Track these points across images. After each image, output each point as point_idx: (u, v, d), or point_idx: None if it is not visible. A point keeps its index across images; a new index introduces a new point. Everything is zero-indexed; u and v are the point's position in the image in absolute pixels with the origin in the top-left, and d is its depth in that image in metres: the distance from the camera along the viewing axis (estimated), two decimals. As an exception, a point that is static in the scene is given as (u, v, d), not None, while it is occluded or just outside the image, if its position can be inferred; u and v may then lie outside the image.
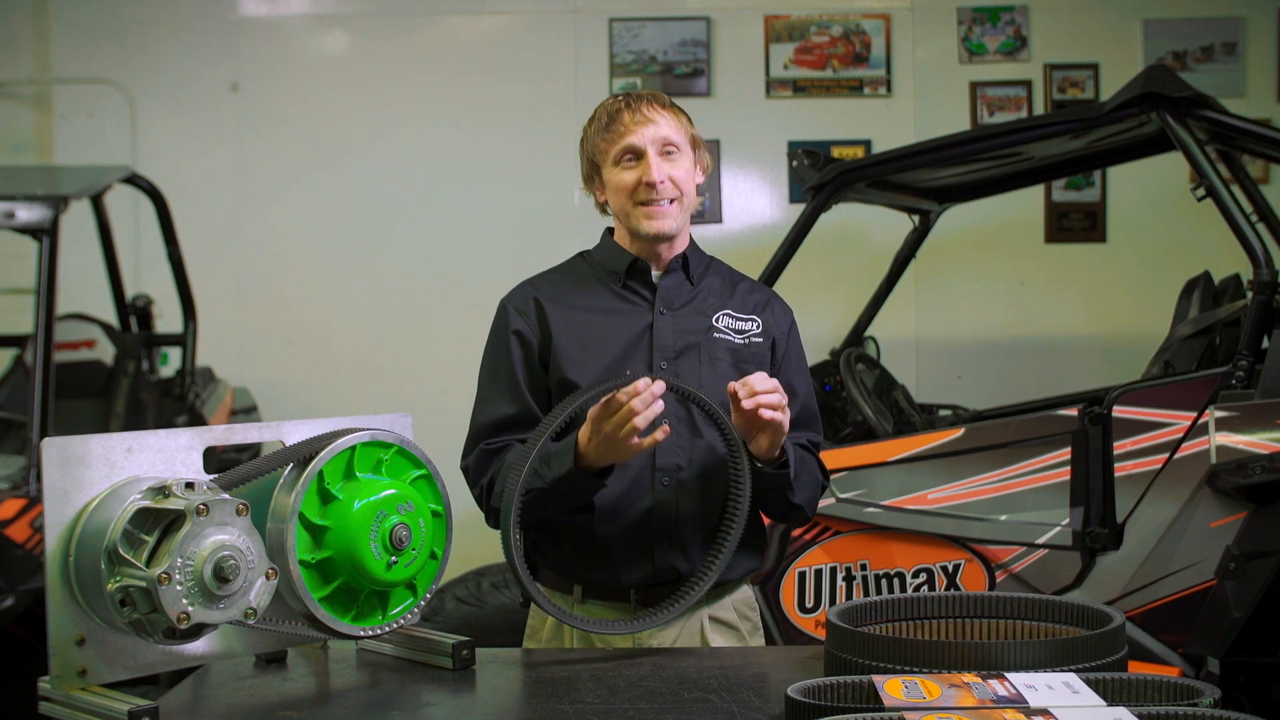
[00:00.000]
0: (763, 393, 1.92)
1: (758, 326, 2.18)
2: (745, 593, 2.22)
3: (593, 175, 2.18)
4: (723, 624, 2.16)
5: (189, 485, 1.55)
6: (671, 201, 2.10)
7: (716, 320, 2.16)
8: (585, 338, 2.11)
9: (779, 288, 3.42)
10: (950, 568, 3.03)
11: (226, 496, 1.55)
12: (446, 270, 5.23)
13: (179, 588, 1.48)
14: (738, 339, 2.15)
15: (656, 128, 2.09)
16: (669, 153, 2.10)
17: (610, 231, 2.23)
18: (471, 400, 2.18)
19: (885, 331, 4.31)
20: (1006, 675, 1.46)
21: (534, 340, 2.12)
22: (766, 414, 1.92)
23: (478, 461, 2.10)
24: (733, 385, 1.94)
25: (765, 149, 5.23)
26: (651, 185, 2.07)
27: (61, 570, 1.54)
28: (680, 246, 2.17)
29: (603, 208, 2.21)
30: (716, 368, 2.11)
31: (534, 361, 2.12)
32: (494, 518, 2.07)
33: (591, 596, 2.11)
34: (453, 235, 5.26)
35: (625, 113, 2.10)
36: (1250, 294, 2.96)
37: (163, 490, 1.55)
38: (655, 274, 2.17)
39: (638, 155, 2.09)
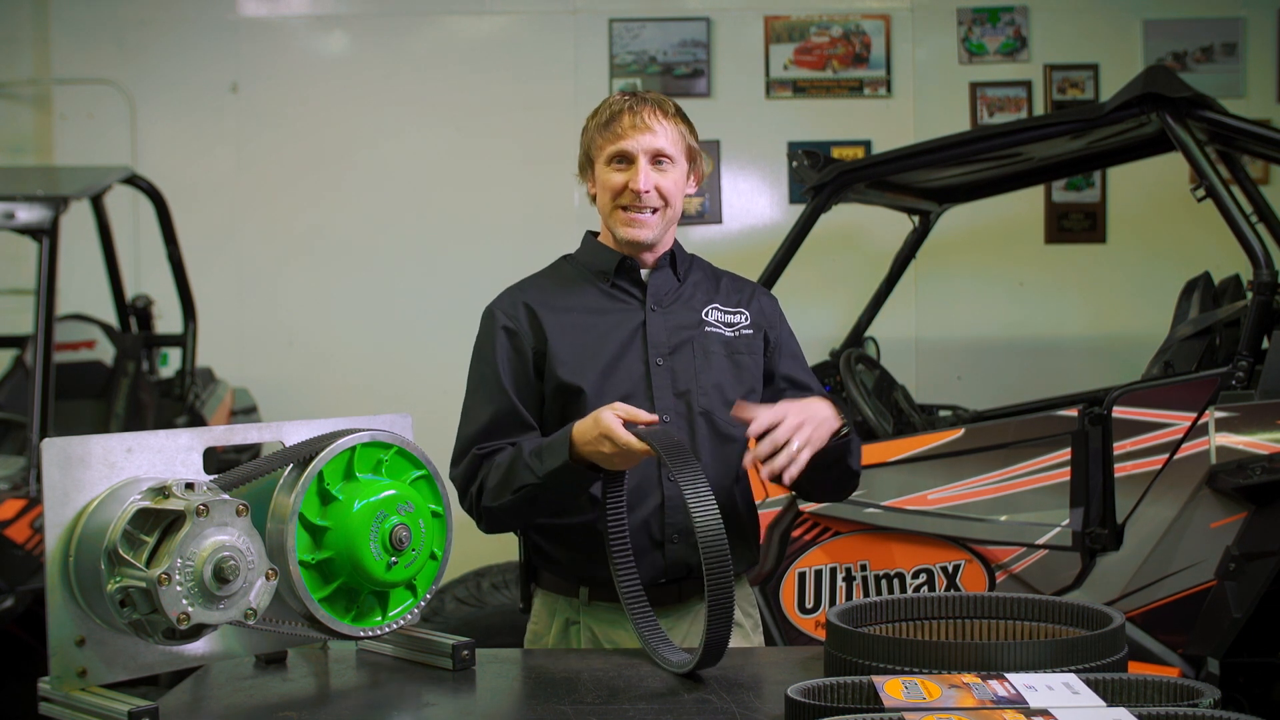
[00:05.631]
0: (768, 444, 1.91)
1: (746, 319, 2.20)
2: (745, 589, 2.24)
3: (586, 167, 2.19)
4: None
5: (189, 486, 1.54)
6: (654, 211, 2.12)
7: (706, 314, 2.17)
8: (580, 339, 2.11)
9: (779, 288, 3.43)
10: (950, 568, 3.03)
11: (226, 497, 1.55)
12: (446, 270, 5.23)
13: (179, 588, 1.48)
14: (729, 331, 2.17)
15: (653, 136, 2.10)
16: (660, 163, 2.11)
17: (593, 235, 2.24)
18: None
19: (885, 332, 4.31)
20: (1006, 676, 1.46)
21: (527, 342, 2.12)
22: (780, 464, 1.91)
23: (468, 468, 2.09)
24: (747, 461, 1.95)
25: (765, 149, 5.23)
26: (636, 193, 2.09)
27: (61, 571, 1.54)
28: (665, 246, 2.19)
29: (592, 198, 2.22)
30: (711, 361, 2.13)
31: (524, 363, 2.11)
32: (485, 520, 2.08)
33: (599, 598, 2.10)
34: (452, 235, 5.26)
35: (625, 115, 2.11)
36: (1250, 294, 2.96)
37: (163, 491, 1.54)
38: (644, 272, 2.18)
39: (629, 160, 2.11)
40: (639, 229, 2.12)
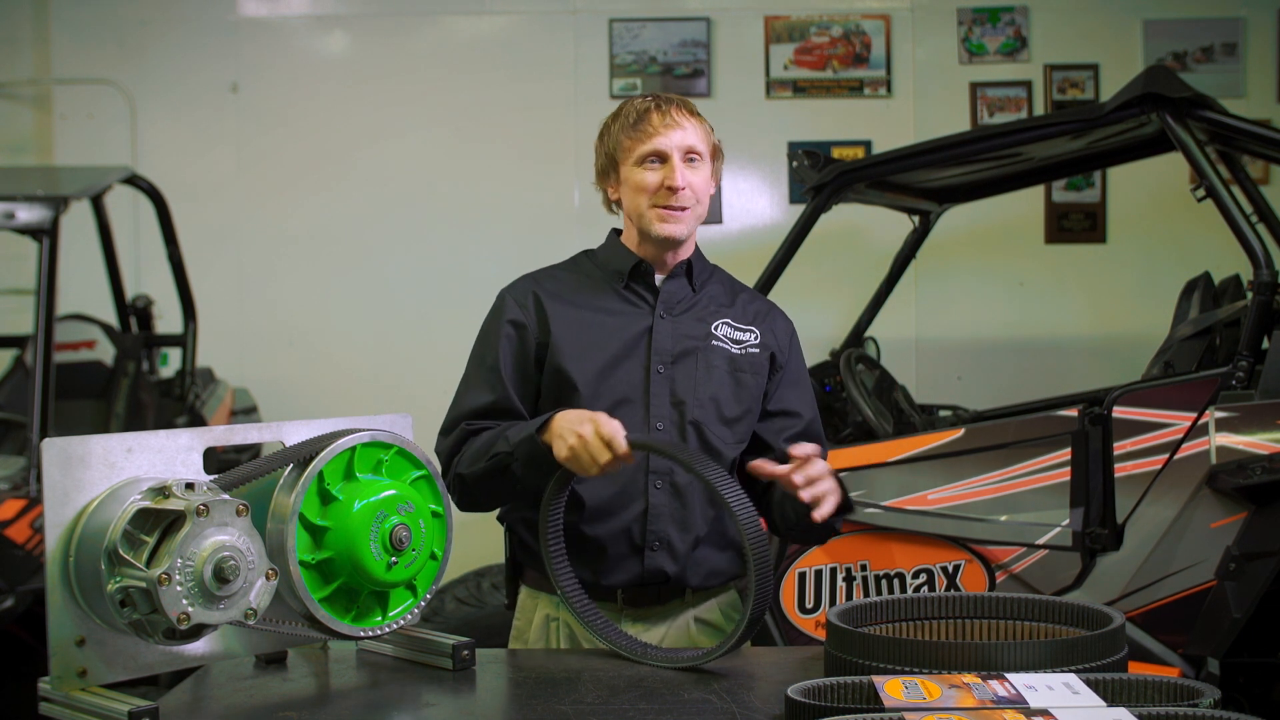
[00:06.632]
0: (816, 477, 1.92)
1: (756, 338, 2.19)
2: (730, 596, 2.23)
3: (609, 171, 2.17)
4: (709, 625, 2.17)
5: (189, 486, 1.54)
6: (687, 209, 2.11)
7: (716, 328, 2.17)
8: (584, 335, 2.11)
9: (779, 288, 3.44)
10: (950, 568, 3.03)
11: (226, 497, 1.55)
12: (446, 270, 5.23)
13: (179, 588, 1.48)
14: (735, 349, 2.16)
15: (684, 133, 2.10)
16: (692, 160, 2.11)
17: (617, 233, 2.24)
18: None
19: (885, 332, 4.31)
20: (1006, 676, 1.46)
21: (532, 334, 2.12)
22: (819, 508, 1.92)
23: (456, 441, 2.08)
24: (789, 476, 1.92)
25: (765, 149, 5.23)
26: (673, 190, 2.08)
27: (61, 571, 1.54)
28: (685, 253, 2.19)
29: (611, 205, 2.21)
30: (712, 375, 2.13)
31: (526, 355, 2.11)
32: (457, 489, 2.07)
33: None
34: (452, 235, 5.26)
35: (655, 114, 2.10)
36: (1250, 294, 2.96)
37: (163, 491, 1.54)
38: (659, 278, 2.17)
39: (663, 159, 2.10)
40: (676, 225, 2.10)
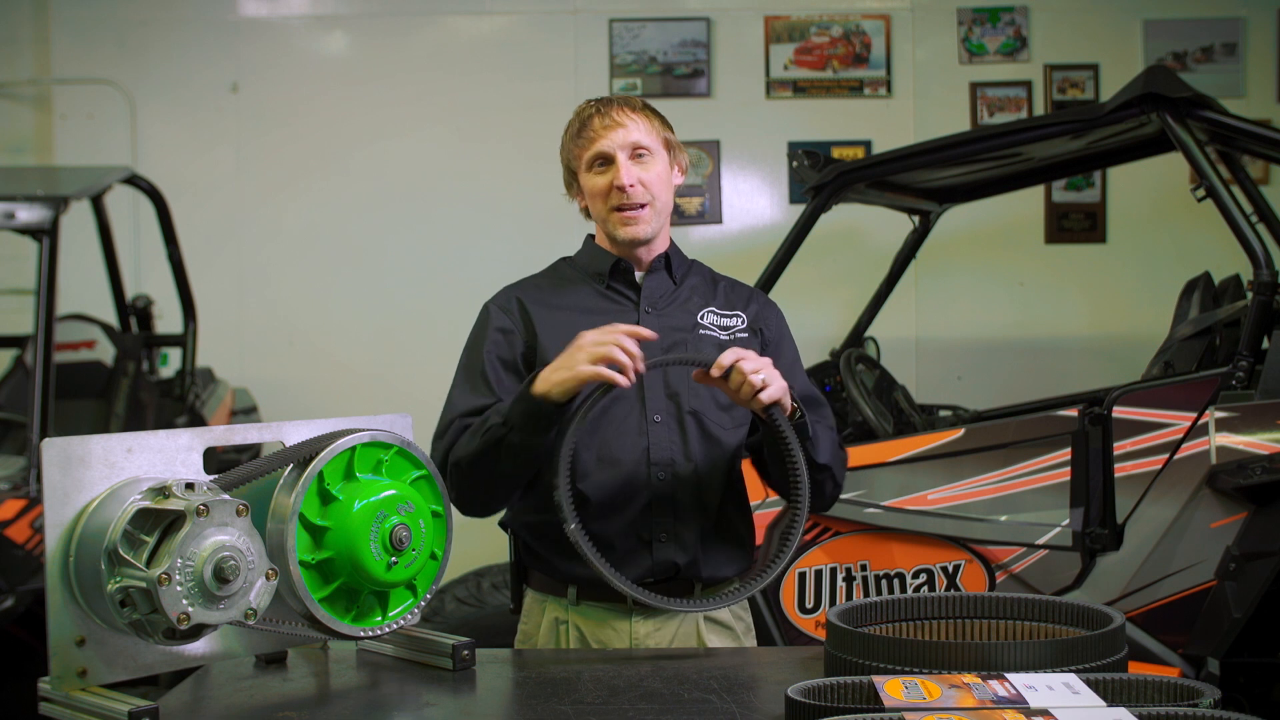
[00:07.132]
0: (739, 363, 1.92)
1: (742, 322, 2.20)
2: None
3: (571, 181, 2.21)
4: (718, 624, 2.16)
5: (189, 486, 1.54)
6: (644, 206, 2.12)
7: (701, 318, 2.17)
8: (571, 336, 2.10)
9: (779, 288, 3.44)
10: (950, 568, 3.03)
11: (227, 497, 1.55)
12: (446, 270, 5.23)
13: (179, 588, 1.48)
14: (723, 335, 2.17)
15: (626, 132, 2.11)
16: (640, 156, 2.12)
17: (592, 237, 2.25)
18: None
19: (885, 332, 4.31)
20: (1007, 676, 1.46)
21: (519, 338, 2.13)
22: (746, 366, 1.91)
23: (452, 438, 2.08)
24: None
25: (765, 149, 5.23)
26: (622, 189, 2.10)
27: (61, 571, 1.54)
28: (660, 247, 2.19)
29: (585, 212, 2.22)
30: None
31: (515, 359, 2.12)
32: (454, 479, 2.05)
33: (587, 597, 2.10)
34: (452, 235, 5.26)
35: (595, 119, 2.12)
36: (1250, 294, 2.96)
37: (163, 491, 1.54)
38: (639, 275, 2.18)
39: (608, 160, 2.12)
40: (636, 225, 2.12)
